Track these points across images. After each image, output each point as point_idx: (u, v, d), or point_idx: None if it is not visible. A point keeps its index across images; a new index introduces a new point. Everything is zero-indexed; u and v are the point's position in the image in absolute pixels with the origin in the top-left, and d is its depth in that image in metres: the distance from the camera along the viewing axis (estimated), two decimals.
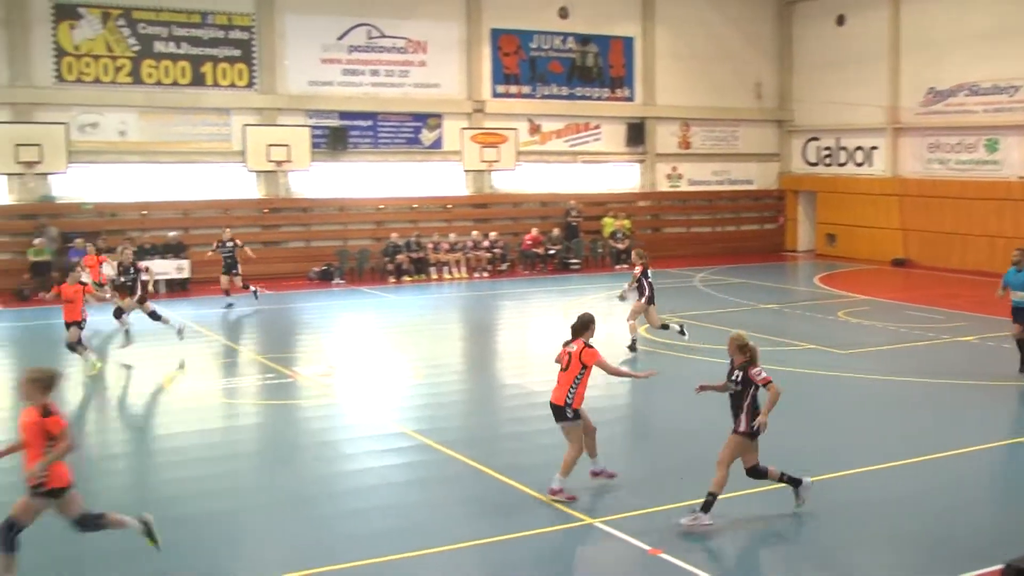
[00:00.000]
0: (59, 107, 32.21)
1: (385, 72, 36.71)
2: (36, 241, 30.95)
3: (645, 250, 23.14)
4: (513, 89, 38.90)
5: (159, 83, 33.52)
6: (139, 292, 22.55)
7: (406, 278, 34.36)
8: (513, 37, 38.72)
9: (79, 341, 19.87)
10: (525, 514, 11.51)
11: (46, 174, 31.98)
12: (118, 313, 22.53)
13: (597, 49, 40.23)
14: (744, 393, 11.36)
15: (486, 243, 36.34)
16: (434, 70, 37.42)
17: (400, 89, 36.96)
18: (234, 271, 28.88)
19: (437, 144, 37.66)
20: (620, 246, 38.31)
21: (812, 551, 10.74)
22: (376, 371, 20.53)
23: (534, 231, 37.42)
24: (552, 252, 37.16)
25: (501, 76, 38.63)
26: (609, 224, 39.25)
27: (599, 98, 40.38)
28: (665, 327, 21.94)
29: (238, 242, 29.20)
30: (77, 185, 32.78)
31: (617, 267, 37.46)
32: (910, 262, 37.73)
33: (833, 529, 11.26)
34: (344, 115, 36.04)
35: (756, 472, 11.55)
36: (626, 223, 39.33)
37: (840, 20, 40.84)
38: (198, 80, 34.01)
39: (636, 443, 15.05)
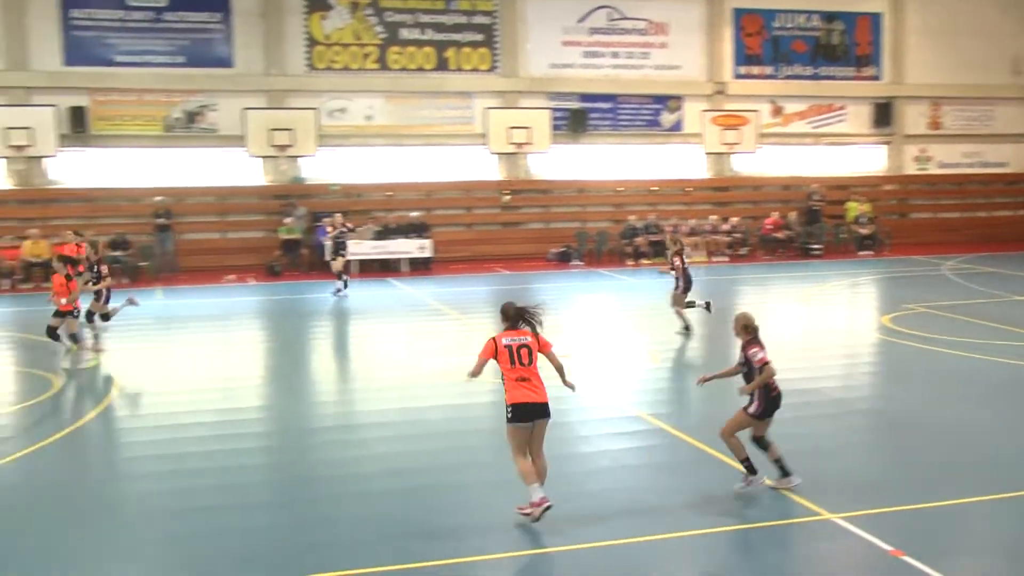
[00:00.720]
0: (310, 93, 33.55)
1: (626, 54, 36.62)
2: (286, 220, 32.36)
3: (681, 236, 23.19)
4: (755, 70, 38.17)
5: (404, 69, 34.43)
6: (103, 293, 21.09)
7: (644, 261, 34.24)
8: (756, 16, 37.97)
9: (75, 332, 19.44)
10: (759, 505, 11.27)
11: (297, 157, 33.41)
12: (89, 317, 21.19)
13: (843, 26, 39.03)
14: (751, 375, 11.32)
15: (725, 227, 35.82)
16: (675, 52, 37.09)
17: (640, 71, 36.80)
18: (341, 254, 28.17)
19: (677, 126, 37.35)
20: (864, 231, 37.11)
21: None
22: (613, 353, 20.50)
23: (774, 215, 36.64)
24: (793, 237, 36.32)
25: (743, 57, 37.96)
26: (853, 208, 38.02)
27: (844, 78, 39.18)
28: (691, 305, 21.51)
29: (349, 225, 29.22)
30: (325, 167, 34.07)
31: (861, 253, 36.31)
32: None
33: None
34: (584, 97, 36.16)
35: (761, 443, 11.54)
36: (866, 207, 37.99)
37: None
38: (442, 65, 34.76)
39: (879, 437, 14.51)
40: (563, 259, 34.35)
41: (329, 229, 28.53)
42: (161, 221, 31.67)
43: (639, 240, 34.51)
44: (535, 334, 10.89)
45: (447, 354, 20.34)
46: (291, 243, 32.32)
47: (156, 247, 31.84)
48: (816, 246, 36.40)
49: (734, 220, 36.11)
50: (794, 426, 12.80)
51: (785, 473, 11.55)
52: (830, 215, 37.96)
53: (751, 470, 11.39)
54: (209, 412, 15.93)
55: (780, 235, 36.26)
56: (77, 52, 32.23)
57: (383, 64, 34.35)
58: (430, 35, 34.71)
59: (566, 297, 28.31)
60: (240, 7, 33.09)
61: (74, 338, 19.40)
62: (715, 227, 35.81)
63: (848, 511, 10.99)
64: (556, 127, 35.35)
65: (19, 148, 31.04)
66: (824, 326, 21.22)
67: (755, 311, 12.04)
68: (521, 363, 10.67)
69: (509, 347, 10.71)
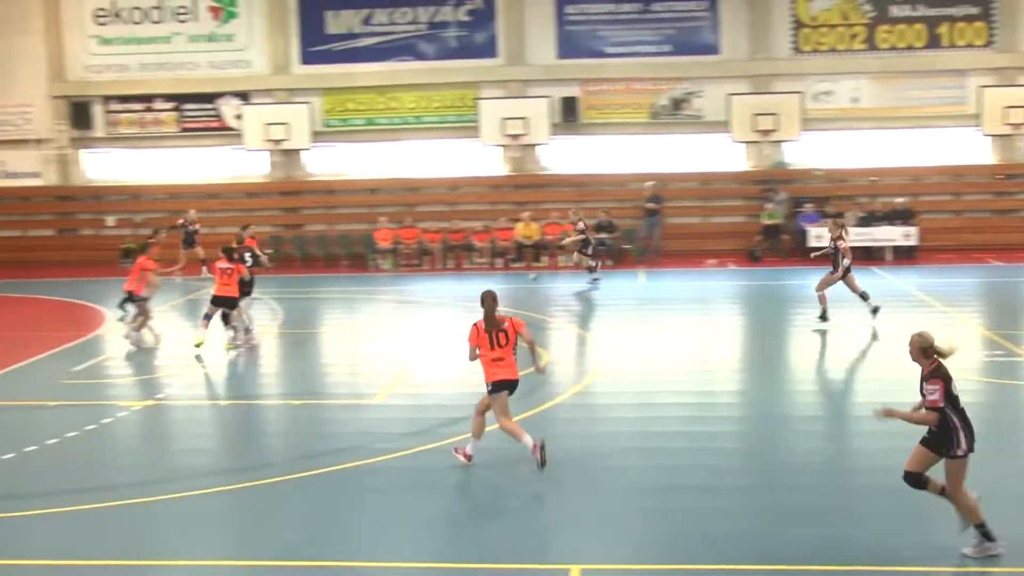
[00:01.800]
0: (795, 77, 33.20)
1: None
2: (767, 205, 32.26)
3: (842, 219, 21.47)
4: None
5: (893, 48, 33.21)
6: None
7: None
8: None
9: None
10: None
11: (780, 141, 33.19)
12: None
13: None
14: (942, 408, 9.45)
15: None
16: None
17: None
18: (584, 251, 28.01)
19: None
20: None
21: None
22: None
23: None
24: None
25: None
26: None
27: None
28: (864, 297, 21.04)
29: (587, 222, 28.79)
30: (809, 152, 33.63)
31: None
32: None
33: None
34: None
35: (916, 480, 9.77)
36: None
37: None
38: (933, 42, 33.18)
39: None
40: None
41: (582, 225, 28.44)
42: (651, 206, 32.55)
43: None
44: (510, 319, 12.50)
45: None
46: (772, 228, 32.18)
47: (643, 231, 32.81)
48: None
49: None
50: None
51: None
52: None
53: (987, 537, 9.62)
54: (686, 393, 16.28)
55: None
56: (570, 46, 33.85)
57: (871, 44, 33.31)
58: (922, 11, 33.21)
59: None
60: None
61: (207, 317, 20.09)
62: None
63: None
64: None
65: (515, 137, 33.08)
66: None
67: None
68: (499, 344, 12.24)
69: (489, 332, 12.28)
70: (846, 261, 20.81)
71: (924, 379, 9.60)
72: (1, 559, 10.25)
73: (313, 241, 34.17)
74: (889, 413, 9.79)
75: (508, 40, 34.03)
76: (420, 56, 34.34)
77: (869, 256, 31.02)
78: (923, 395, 9.62)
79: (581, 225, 28.15)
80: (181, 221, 31.28)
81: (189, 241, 31.06)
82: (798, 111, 32.49)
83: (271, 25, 34.60)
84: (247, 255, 21.59)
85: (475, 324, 12.41)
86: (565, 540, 10.57)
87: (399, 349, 20.07)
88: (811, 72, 33.29)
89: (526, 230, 32.19)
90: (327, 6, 34.40)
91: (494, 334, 12.29)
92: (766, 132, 32.46)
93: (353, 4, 34.32)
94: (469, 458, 12.53)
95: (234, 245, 21.55)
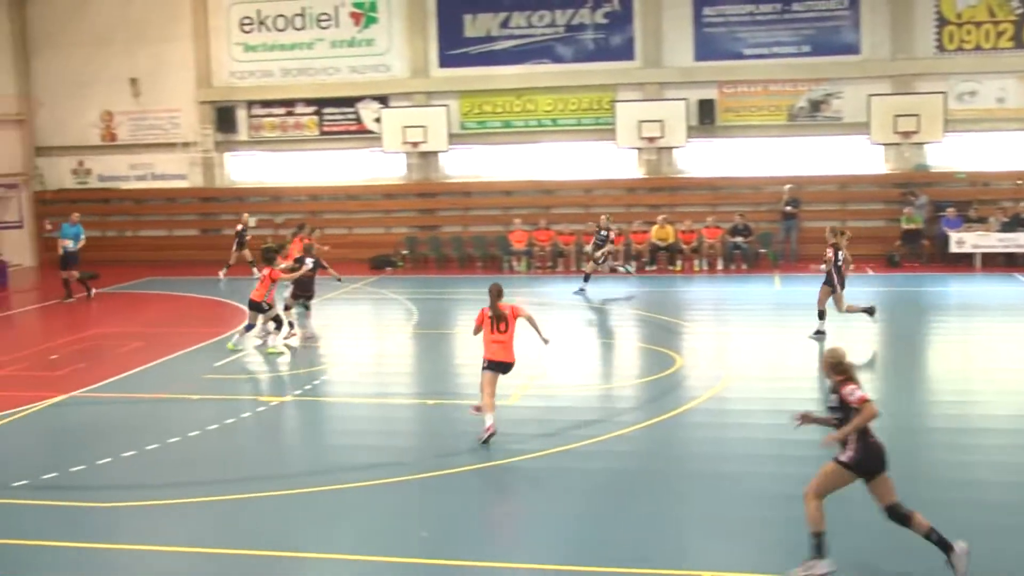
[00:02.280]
0: (938, 76, 32.35)
1: None
2: (907, 210, 31.57)
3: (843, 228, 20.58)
4: None
5: None
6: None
7: None
8: None
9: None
10: None
11: (922, 143, 32.40)
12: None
13: None
14: (846, 418, 9.51)
15: None
16: None
17: None
18: (601, 258, 27.92)
19: None
20: None
21: None
22: None
23: None
24: None
25: None
26: None
27: None
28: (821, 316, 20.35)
29: (613, 228, 28.51)
30: (951, 154, 32.77)
31: None
32: None
33: None
34: None
35: (897, 514, 9.53)
36: None
37: None
38: None
39: None
40: None
41: (612, 235, 28.39)
42: (788, 209, 32.14)
43: None
44: (511, 306, 14.25)
45: None
46: (912, 233, 31.48)
47: (780, 234, 32.41)
48: None
49: None
50: None
51: (946, 547, 9.41)
52: None
53: (819, 550, 9.40)
54: (819, 401, 16.03)
55: None
56: (707, 48, 33.58)
57: (1018, 42, 32.25)
58: None
59: None
60: None
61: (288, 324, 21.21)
62: None
63: None
64: None
65: (651, 140, 32.97)
66: None
67: None
68: (499, 330, 13.99)
69: (492, 318, 14.03)
70: (822, 267, 20.54)
71: (836, 390, 9.69)
72: (145, 544, 10.66)
73: (448, 242, 34.59)
74: (807, 419, 10.10)
75: (645, 42, 33.91)
76: (557, 59, 34.47)
77: (1012, 262, 30.17)
78: (834, 407, 9.73)
79: (612, 235, 28.32)
80: (240, 226, 32.37)
81: (241, 243, 32.10)
82: (941, 112, 31.68)
83: (410, 29, 35.11)
84: (308, 260, 21.60)
85: (483, 310, 14.17)
86: (696, 545, 10.56)
87: (532, 351, 20.15)
88: (955, 71, 32.41)
89: (660, 233, 32.06)
90: (465, 10, 34.80)
91: (494, 321, 14.04)
92: (907, 134, 31.72)
93: (491, 7, 34.64)
94: (490, 429, 13.68)
95: (274, 247, 22.02)
